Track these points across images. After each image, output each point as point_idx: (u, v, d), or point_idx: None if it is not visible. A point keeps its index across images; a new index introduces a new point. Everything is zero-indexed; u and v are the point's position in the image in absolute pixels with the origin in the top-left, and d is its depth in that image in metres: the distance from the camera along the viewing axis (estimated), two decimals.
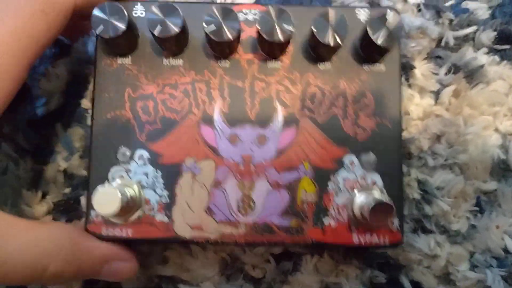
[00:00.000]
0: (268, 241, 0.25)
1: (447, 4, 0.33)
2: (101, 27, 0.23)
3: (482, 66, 0.32)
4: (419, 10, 0.33)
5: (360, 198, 0.24)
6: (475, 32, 0.32)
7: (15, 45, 0.22)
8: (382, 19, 0.23)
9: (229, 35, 0.23)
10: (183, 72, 0.26)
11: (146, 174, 0.25)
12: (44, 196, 0.31)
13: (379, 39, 0.23)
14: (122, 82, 0.26)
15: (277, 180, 0.25)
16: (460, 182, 0.31)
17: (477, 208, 0.31)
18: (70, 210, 0.31)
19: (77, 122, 0.31)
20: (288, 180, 0.25)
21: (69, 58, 0.32)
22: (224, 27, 0.23)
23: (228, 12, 0.23)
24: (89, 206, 0.25)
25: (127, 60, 0.26)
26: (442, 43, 0.32)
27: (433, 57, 0.32)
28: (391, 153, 0.25)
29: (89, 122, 0.30)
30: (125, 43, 0.24)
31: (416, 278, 0.30)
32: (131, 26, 0.24)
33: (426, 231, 0.31)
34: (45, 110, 0.31)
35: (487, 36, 0.32)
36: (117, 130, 0.25)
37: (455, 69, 0.32)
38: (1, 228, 0.21)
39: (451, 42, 0.32)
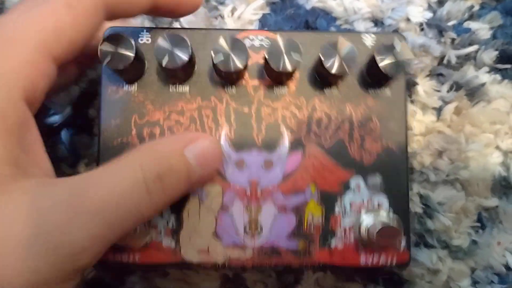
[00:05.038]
0: (276, 264, 0.25)
1: (449, 23, 0.33)
2: (108, 58, 0.23)
3: (483, 85, 0.32)
4: (422, 29, 0.33)
5: (366, 220, 0.25)
6: (476, 52, 0.33)
7: (35, 36, 0.21)
8: (389, 47, 0.23)
9: (237, 65, 0.23)
10: (189, 99, 0.26)
11: None
12: None
13: (386, 68, 0.23)
14: (128, 109, 0.26)
15: (284, 204, 0.26)
16: (461, 198, 0.31)
17: (478, 224, 0.31)
18: None
19: (83, 130, 0.31)
20: (294, 204, 0.26)
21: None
22: (232, 57, 0.23)
23: (236, 42, 0.23)
24: None
25: (133, 88, 0.26)
26: (444, 61, 0.33)
27: (435, 74, 0.33)
28: (397, 176, 0.26)
29: (95, 130, 0.31)
30: (132, 72, 0.24)
31: None
32: (139, 56, 0.24)
33: (428, 245, 0.31)
34: (55, 120, 0.31)
35: (489, 55, 0.33)
36: None
37: (456, 87, 0.33)
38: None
39: (453, 60, 0.33)
